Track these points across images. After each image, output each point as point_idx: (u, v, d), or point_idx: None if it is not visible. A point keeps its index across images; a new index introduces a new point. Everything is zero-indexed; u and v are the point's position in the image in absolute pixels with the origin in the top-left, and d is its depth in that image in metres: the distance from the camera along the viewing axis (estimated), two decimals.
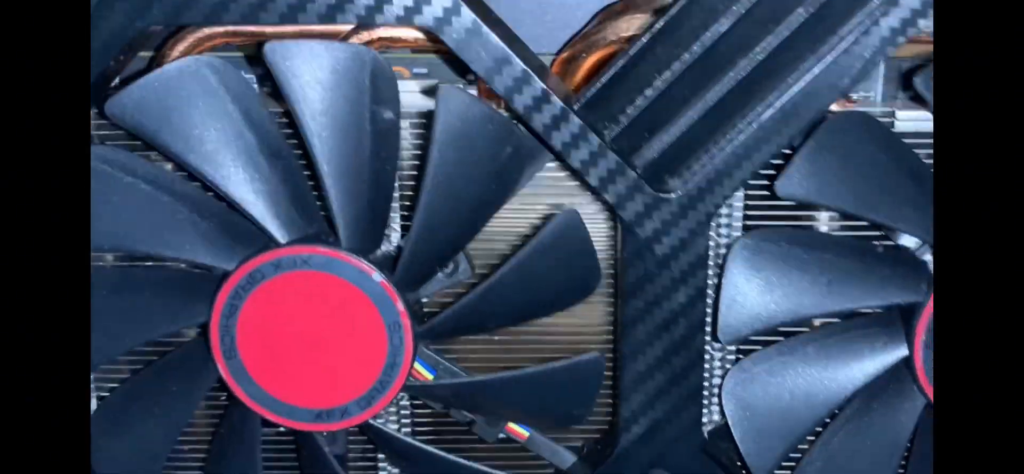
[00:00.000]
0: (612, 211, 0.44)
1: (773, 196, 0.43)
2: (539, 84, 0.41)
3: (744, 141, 0.42)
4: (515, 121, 0.43)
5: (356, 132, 0.42)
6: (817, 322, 0.48)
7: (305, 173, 0.45)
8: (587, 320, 0.49)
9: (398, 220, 0.48)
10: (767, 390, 0.46)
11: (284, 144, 0.44)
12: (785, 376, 0.46)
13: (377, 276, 0.44)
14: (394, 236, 0.48)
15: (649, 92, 0.42)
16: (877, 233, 0.46)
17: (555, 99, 0.42)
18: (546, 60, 0.47)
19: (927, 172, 0.43)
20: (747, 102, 0.42)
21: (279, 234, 0.44)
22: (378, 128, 0.43)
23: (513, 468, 0.49)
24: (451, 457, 0.47)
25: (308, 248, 0.44)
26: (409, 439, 0.48)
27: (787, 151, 0.43)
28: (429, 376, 0.48)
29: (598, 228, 0.47)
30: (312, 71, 0.41)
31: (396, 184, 0.46)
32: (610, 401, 0.49)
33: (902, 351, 0.45)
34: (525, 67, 0.41)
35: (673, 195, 0.43)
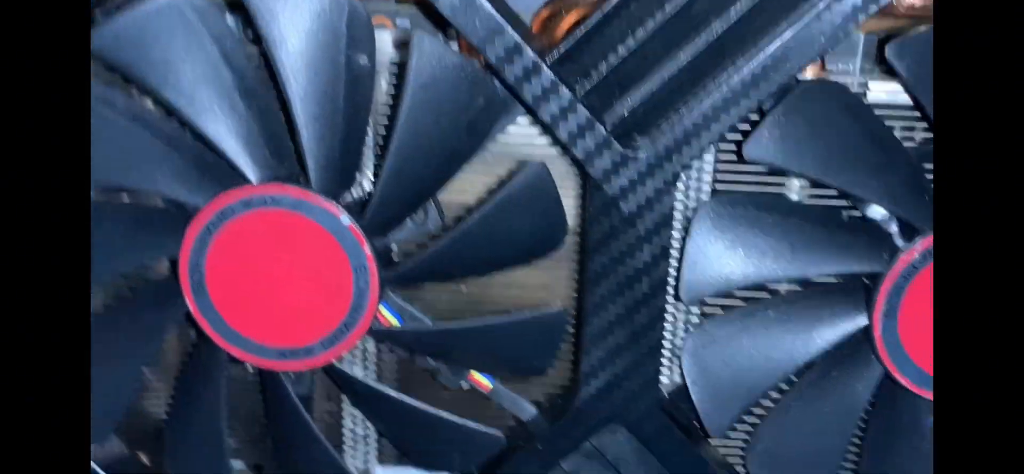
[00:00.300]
0: (580, 167, 0.44)
1: (742, 160, 0.43)
2: (512, 35, 0.42)
3: (714, 102, 0.42)
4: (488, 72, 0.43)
5: (331, 76, 0.43)
6: (782, 289, 0.48)
7: (279, 115, 0.45)
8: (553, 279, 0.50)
9: (371, 167, 0.48)
10: (726, 352, 0.47)
11: (260, 85, 0.44)
12: (744, 339, 0.46)
13: (345, 219, 0.44)
14: (366, 183, 0.48)
15: (622, 49, 0.42)
16: (846, 204, 0.47)
17: (528, 51, 0.42)
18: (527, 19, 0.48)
19: (895, 142, 0.44)
20: (719, 63, 0.42)
21: (251, 173, 0.44)
22: (353, 73, 0.43)
23: (475, 418, 0.50)
24: (411, 401, 0.48)
25: (278, 188, 0.44)
26: (371, 382, 0.49)
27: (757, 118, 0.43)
28: (395, 322, 0.48)
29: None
30: (290, 13, 0.42)
31: (369, 130, 0.46)
32: (573, 359, 0.50)
33: (862, 320, 0.45)
34: (498, 17, 0.41)
35: (642, 153, 0.43)
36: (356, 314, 0.46)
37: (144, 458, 0.55)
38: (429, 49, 0.42)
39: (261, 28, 0.41)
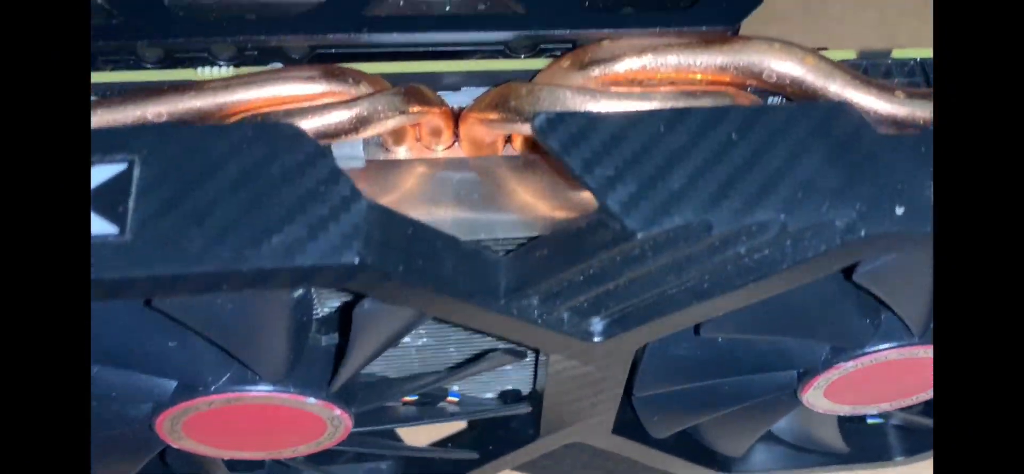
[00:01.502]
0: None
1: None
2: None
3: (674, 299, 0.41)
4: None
5: (270, 323, 0.41)
6: None
7: None
8: None
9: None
10: (671, 402, 0.52)
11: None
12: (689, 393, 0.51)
13: (312, 400, 0.45)
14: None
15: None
16: None
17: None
18: None
19: (841, 292, 0.44)
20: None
21: (209, 380, 0.44)
22: (291, 304, 0.41)
23: None
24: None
25: (237, 394, 0.44)
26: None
27: None
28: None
29: None
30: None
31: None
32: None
33: (790, 383, 0.50)
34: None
35: (596, 339, 0.43)
36: (334, 432, 0.49)
37: None
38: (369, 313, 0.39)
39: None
